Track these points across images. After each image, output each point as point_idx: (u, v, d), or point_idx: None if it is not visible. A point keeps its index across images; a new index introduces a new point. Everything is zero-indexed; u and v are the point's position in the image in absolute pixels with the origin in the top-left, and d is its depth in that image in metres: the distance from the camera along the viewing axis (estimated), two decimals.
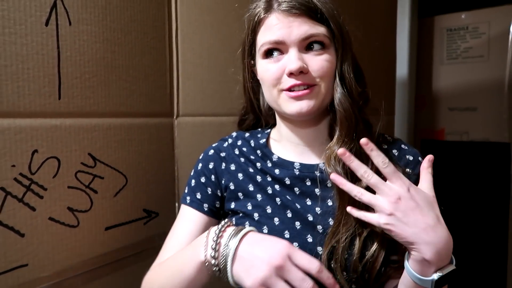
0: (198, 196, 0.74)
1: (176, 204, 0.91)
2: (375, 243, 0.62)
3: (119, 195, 0.78)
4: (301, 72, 0.63)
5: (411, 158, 0.71)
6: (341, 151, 0.57)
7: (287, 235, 0.66)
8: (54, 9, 0.66)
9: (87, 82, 0.71)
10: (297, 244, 0.65)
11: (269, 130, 0.78)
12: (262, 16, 0.67)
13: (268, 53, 0.66)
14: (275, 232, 0.66)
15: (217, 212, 0.75)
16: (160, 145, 0.87)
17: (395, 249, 0.64)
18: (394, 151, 0.72)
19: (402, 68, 1.95)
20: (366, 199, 0.56)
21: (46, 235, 0.66)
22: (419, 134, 2.13)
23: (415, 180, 0.68)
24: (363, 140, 0.56)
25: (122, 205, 0.78)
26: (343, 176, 0.62)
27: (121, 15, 0.76)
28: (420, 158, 0.72)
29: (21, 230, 0.63)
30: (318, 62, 0.64)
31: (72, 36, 0.68)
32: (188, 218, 0.74)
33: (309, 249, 0.64)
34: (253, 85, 0.76)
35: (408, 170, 0.69)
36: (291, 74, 0.63)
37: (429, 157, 0.61)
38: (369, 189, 0.59)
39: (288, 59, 0.64)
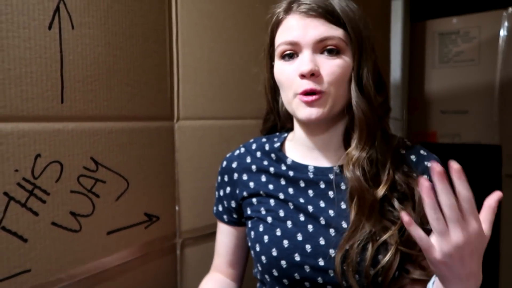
0: (220, 208, 0.81)
1: (177, 208, 0.91)
2: (390, 252, 0.61)
3: (121, 199, 0.77)
4: (313, 75, 0.63)
5: (429, 164, 0.69)
6: (438, 168, 0.47)
7: (299, 237, 0.66)
8: (57, 13, 0.65)
9: (89, 85, 0.71)
10: (309, 247, 0.65)
11: (286, 134, 0.78)
12: (280, 17, 0.68)
13: (284, 55, 0.67)
14: (288, 234, 0.67)
15: (237, 222, 0.79)
16: (161, 148, 0.86)
17: (409, 258, 0.64)
18: (412, 156, 0.70)
19: (395, 71, 1.97)
20: (440, 228, 0.48)
21: (49, 240, 0.66)
22: (412, 136, 2.15)
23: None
24: (456, 166, 0.46)
25: (124, 209, 0.78)
26: (362, 180, 0.63)
27: (123, 19, 0.76)
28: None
29: (24, 235, 0.62)
30: (330, 67, 0.64)
31: (74, 40, 0.68)
32: (219, 228, 0.83)
33: (322, 252, 0.64)
34: (273, 85, 0.76)
35: (425, 176, 0.66)
36: (302, 76, 0.63)
37: (498, 195, 0.50)
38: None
39: (300, 61, 0.64)
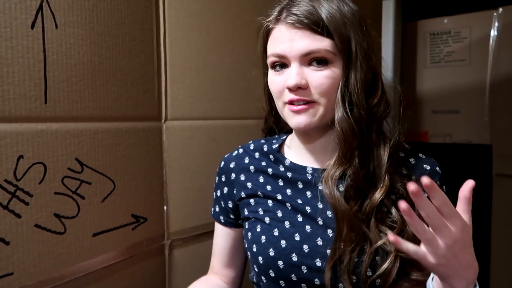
0: (217, 209, 0.81)
1: (165, 208, 0.90)
2: (389, 258, 0.61)
3: (107, 200, 0.77)
4: (300, 88, 0.63)
5: (428, 167, 0.70)
6: (412, 187, 0.47)
7: (297, 237, 0.66)
8: (40, 12, 0.64)
9: (74, 86, 0.70)
10: (307, 247, 0.65)
11: (284, 137, 0.79)
12: (270, 26, 0.69)
13: (274, 65, 0.67)
14: (286, 234, 0.67)
15: (234, 223, 0.79)
16: (148, 149, 0.86)
17: (409, 261, 0.63)
18: (411, 159, 0.71)
19: (387, 71, 1.97)
20: (427, 237, 0.50)
21: (32, 243, 0.65)
22: (404, 136, 2.15)
23: None
24: (426, 181, 0.47)
25: (110, 210, 0.77)
26: (336, 195, 0.63)
27: (109, 18, 0.75)
28: (437, 168, 0.71)
29: (6, 238, 0.61)
30: (318, 78, 0.63)
31: (58, 39, 0.67)
32: (216, 229, 0.83)
33: (319, 252, 0.64)
34: (268, 90, 0.75)
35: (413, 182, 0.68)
36: (289, 90, 0.64)
37: (470, 185, 0.53)
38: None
39: (288, 74, 0.64)
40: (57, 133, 0.68)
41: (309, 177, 0.70)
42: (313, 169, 0.71)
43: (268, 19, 0.70)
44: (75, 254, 0.71)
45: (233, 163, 0.78)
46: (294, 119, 0.65)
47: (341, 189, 0.66)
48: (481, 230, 1.87)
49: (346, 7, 0.65)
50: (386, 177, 0.64)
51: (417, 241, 0.58)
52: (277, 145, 0.76)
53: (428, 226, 0.50)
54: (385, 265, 0.61)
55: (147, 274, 0.87)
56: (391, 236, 0.51)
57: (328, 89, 0.63)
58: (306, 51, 0.63)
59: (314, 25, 0.63)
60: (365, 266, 0.61)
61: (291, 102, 0.64)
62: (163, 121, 0.89)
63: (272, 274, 0.66)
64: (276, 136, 0.81)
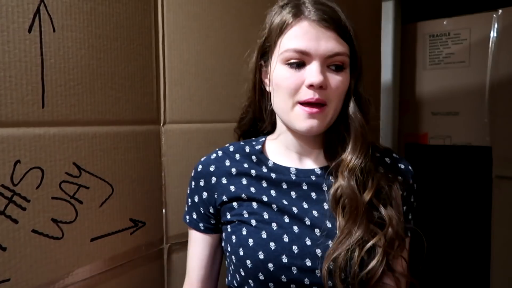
0: (194, 216, 0.77)
1: (164, 212, 0.89)
2: (378, 255, 0.63)
3: (105, 205, 0.76)
4: (321, 87, 0.63)
5: (402, 167, 0.74)
6: None
7: (286, 239, 0.66)
8: (37, 16, 0.64)
9: (72, 89, 0.69)
10: (296, 247, 0.65)
11: (263, 138, 0.78)
12: (290, 21, 0.66)
13: (289, 60, 0.66)
14: (274, 236, 0.66)
15: (214, 228, 0.76)
16: (147, 153, 0.85)
17: (394, 267, 0.66)
18: (387, 159, 0.74)
19: (386, 73, 1.97)
20: None
21: (29, 248, 0.64)
22: (403, 138, 2.15)
23: (404, 189, 0.71)
24: None
25: (108, 215, 0.77)
26: (355, 188, 0.65)
27: (107, 21, 0.75)
28: (410, 168, 0.75)
29: (3, 243, 0.61)
30: (335, 82, 0.65)
31: (56, 43, 0.67)
32: (192, 238, 0.79)
33: (309, 252, 0.64)
34: (262, 87, 0.76)
35: (399, 178, 0.71)
36: (311, 86, 0.63)
37: None
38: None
39: (309, 71, 0.64)
40: (55, 137, 0.67)
41: (293, 178, 0.71)
42: (297, 169, 0.72)
43: (284, 13, 0.68)
44: (73, 259, 0.71)
45: (213, 166, 0.75)
46: (306, 122, 0.65)
47: (325, 189, 0.69)
48: (481, 232, 1.87)
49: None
50: (374, 176, 0.67)
51: (401, 243, 0.65)
52: (259, 146, 0.75)
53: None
54: (373, 263, 0.62)
55: (146, 279, 0.87)
56: None
57: (341, 93, 0.67)
58: (333, 53, 0.64)
59: (339, 28, 0.65)
60: (357, 264, 0.62)
61: (307, 103, 0.64)
62: (161, 124, 0.88)
63: (262, 277, 0.65)
64: (254, 138, 0.80)
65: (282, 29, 0.67)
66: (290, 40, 0.66)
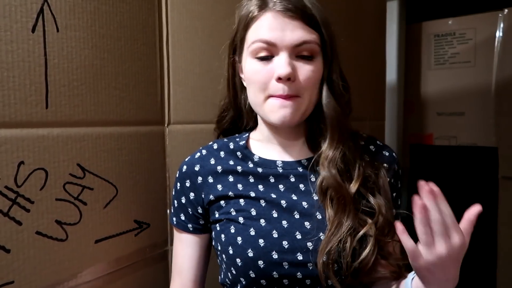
0: (182, 217, 0.75)
1: (168, 214, 0.88)
2: (370, 244, 0.62)
3: (109, 206, 0.75)
4: (289, 79, 0.62)
5: (387, 154, 0.73)
6: (435, 189, 0.51)
7: (275, 234, 0.65)
8: (41, 15, 0.63)
9: (76, 90, 0.69)
10: (286, 242, 0.64)
11: (247, 134, 0.77)
12: (255, 14, 0.66)
13: (257, 53, 0.65)
14: (263, 232, 0.65)
15: (203, 228, 0.75)
16: (151, 154, 0.84)
17: (386, 254, 0.66)
18: (371, 147, 0.74)
19: (391, 73, 1.96)
20: (427, 240, 0.51)
21: (33, 250, 0.63)
22: (408, 138, 2.14)
23: (391, 176, 0.71)
24: (436, 190, 0.51)
25: (112, 216, 0.76)
26: (339, 178, 0.64)
27: (111, 21, 0.74)
28: (394, 154, 0.74)
29: (7, 245, 0.60)
30: (305, 72, 0.64)
31: (59, 43, 0.66)
32: (181, 240, 0.77)
33: (299, 246, 0.64)
34: (238, 82, 0.75)
35: (385, 165, 0.71)
36: (279, 79, 0.62)
37: (477, 209, 0.53)
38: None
39: (277, 63, 0.63)
40: (59, 138, 0.67)
41: (280, 170, 0.70)
42: (283, 162, 0.71)
43: (251, 7, 0.67)
44: (77, 261, 0.70)
45: (198, 165, 0.74)
46: (278, 114, 0.64)
47: (313, 179, 0.68)
48: (487, 232, 1.85)
49: (319, 4, 0.68)
50: (360, 166, 0.67)
51: (392, 229, 0.63)
52: (243, 142, 0.74)
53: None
54: (367, 250, 0.62)
55: (150, 281, 0.86)
56: (399, 226, 0.53)
57: (312, 82, 0.65)
58: (300, 41, 0.63)
59: (306, 17, 0.63)
60: (348, 255, 0.61)
61: (279, 97, 0.64)
62: (166, 125, 0.88)
63: (253, 275, 0.64)
64: (237, 134, 0.79)
65: (248, 22, 0.67)
66: (256, 32, 0.65)
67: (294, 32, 0.63)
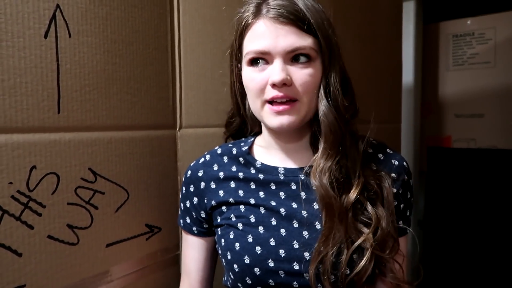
0: (187, 220, 0.77)
1: None
2: (366, 256, 0.60)
3: (121, 210, 0.76)
4: (284, 84, 0.61)
5: (396, 163, 0.70)
6: None
7: (272, 242, 0.64)
8: (53, 21, 0.64)
9: (87, 95, 0.69)
10: (283, 251, 0.63)
11: (252, 139, 0.76)
12: (249, 21, 0.65)
13: (253, 61, 0.65)
14: (260, 240, 0.65)
15: (208, 232, 0.76)
16: (163, 158, 0.84)
17: (382, 267, 0.64)
18: (380, 155, 0.71)
19: (407, 74, 1.93)
20: None
21: (44, 254, 0.64)
22: (426, 141, 2.10)
23: (400, 186, 0.68)
24: None
25: (124, 220, 0.76)
26: (329, 189, 0.62)
27: (122, 26, 0.75)
28: (404, 163, 0.71)
29: (19, 249, 0.61)
30: (302, 76, 0.63)
31: (72, 48, 0.67)
32: (188, 242, 0.78)
33: (296, 256, 0.63)
34: (240, 89, 0.74)
35: (393, 175, 0.68)
36: (274, 86, 0.62)
37: None
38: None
39: (272, 70, 0.62)
40: (70, 143, 0.67)
41: (282, 177, 0.69)
42: (285, 169, 0.70)
43: (246, 14, 0.66)
44: (88, 265, 0.70)
45: (201, 171, 0.75)
46: (276, 120, 0.63)
47: (314, 188, 0.66)
48: (507, 236, 1.80)
49: (319, 6, 0.66)
50: (360, 174, 0.65)
51: (393, 245, 0.62)
52: (246, 147, 0.74)
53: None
54: (362, 263, 0.60)
55: (161, 285, 0.86)
56: None
57: (311, 86, 0.63)
58: (292, 48, 0.62)
59: (299, 21, 0.62)
60: (344, 265, 0.60)
61: (272, 101, 0.63)
62: (177, 129, 0.88)
63: (249, 281, 0.64)
64: (243, 139, 0.79)
65: (243, 30, 0.67)
66: (251, 42, 0.65)
67: (287, 38, 0.62)
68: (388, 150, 0.72)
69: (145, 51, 0.79)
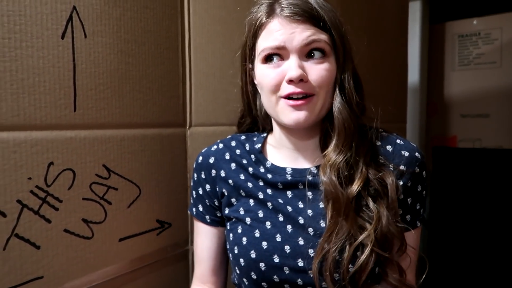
0: (200, 208, 0.78)
1: (189, 213, 0.90)
2: (365, 252, 0.60)
3: (133, 206, 0.78)
4: (301, 80, 0.62)
5: (406, 154, 0.68)
6: None
7: (278, 238, 0.66)
8: (70, 22, 0.66)
9: (102, 93, 0.71)
10: (288, 247, 0.65)
11: (265, 135, 0.77)
12: (264, 21, 0.66)
13: (268, 58, 0.65)
14: (267, 235, 0.66)
15: (221, 221, 0.77)
16: (173, 155, 0.86)
17: (383, 263, 0.64)
18: (388, 147, 0.69)
19: (413, 74, 1.94)
20: None
21: (61, 247, 0.66)
22: (431, 141, 2.10)
23: (408, 179, 0.67)
24: None
25: (136, 216, 0.78)
26: (337, 185, 0.62)
27: (135, 27, 0.77)
28: (417, 154, 0.69)
29: (37, 242, 0.63)
30: (317, 71, 0.63)
31: (87, 48, 0.69)
32: (200, 231, 0.79)
33: (301, 252, 0.64)
34: (251, 89, 0.75)
35: (402, 167, 0.67)
36: (290, 81, 0.63)
37: None
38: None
39: (288, 66, 0.63)
40: (86, 140, 0.69)
41: (289, 178, 0.70)
42: (293, 169, 0.70)
43: (259, 14, 0.67)
44: (102, 259, 0.73)
45: (213, 158, 0.76)
46: (292, 115, 0.64)
47: (321, 188, 0.66)
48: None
49: (330, 6, 0.67)
50: (363, 168, 0.65)
51: (395, 243, 0.63)
52: (259, 145, 0.75)
53: None
54: (363, 258, 0.60)
55: (172, 279, 0.88)
56: None
57: (326, 81, 0.64)
58: (309, 40, 0.62)
59: (314, 19, 0.63)
60: (347, 262, 0.60)
61: (289, 96, 0.63)
62: (187, 127, 0.90)
63: (254, 276, 0.66)
64: (256, 133, 0.79)
65: (257, 30, 0.68)
66: (265, 40, 0.65)
67: (303, 33, 0.63)
68: (398, 141, 0.70)
69: (157, 51, 0.81)
